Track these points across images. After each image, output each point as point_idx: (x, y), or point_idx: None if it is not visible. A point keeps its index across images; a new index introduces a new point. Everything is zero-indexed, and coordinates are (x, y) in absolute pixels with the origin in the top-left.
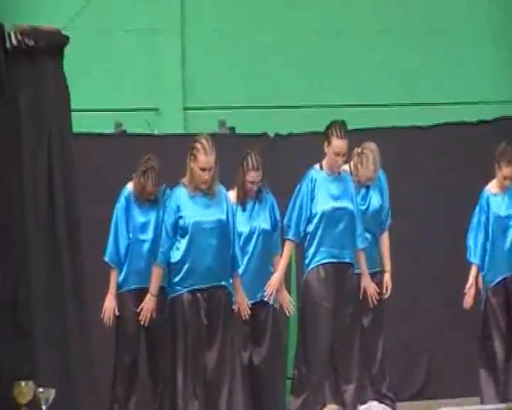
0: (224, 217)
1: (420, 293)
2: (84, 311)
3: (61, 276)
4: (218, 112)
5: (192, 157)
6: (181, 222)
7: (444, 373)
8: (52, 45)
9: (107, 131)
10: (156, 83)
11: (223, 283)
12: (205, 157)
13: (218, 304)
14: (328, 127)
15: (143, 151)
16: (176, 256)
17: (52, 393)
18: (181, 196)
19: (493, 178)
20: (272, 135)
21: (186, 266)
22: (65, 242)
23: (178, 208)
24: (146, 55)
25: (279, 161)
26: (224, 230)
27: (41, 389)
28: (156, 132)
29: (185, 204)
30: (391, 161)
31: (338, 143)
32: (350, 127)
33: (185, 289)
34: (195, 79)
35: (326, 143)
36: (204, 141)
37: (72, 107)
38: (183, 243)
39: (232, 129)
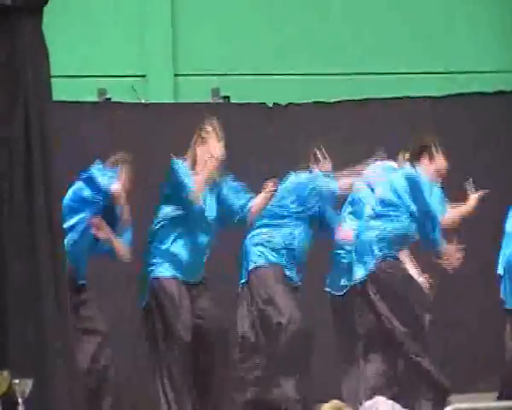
0: None
1: None
2: (64, 307)
3: (39, 270)
4: (212, 79)
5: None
6: None
7: (457, 368)
8: (31, 4)
9: (89, 100)
10: (144, 47)
11: None
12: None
13: None
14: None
15: (129, 121)
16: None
17: (29, 385)
18: None
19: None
20: (270, 105)
21: None
22: (44, 231)
23: None
24: (133, 15)
25: (277, 132)
26: None
27: (17, 381)
28: (143, 101)
29: None
30: (399, 133)
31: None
32: (356, 97)
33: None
34: (187, 43)
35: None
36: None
37: (52, 73)
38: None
39: (227, 98)
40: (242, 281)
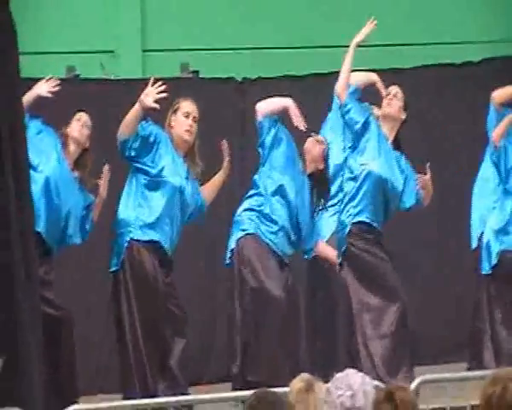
0: None
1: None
2: (35, 295)
3: (12, 258)
4: (181, 54)
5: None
6: None
7: (426, 339)
8: None
9: (58, 76)
10: (112, 22)
11: None
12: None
13: None
14: None
15: (98, 97)
16: None
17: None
18: None
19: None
20: (239, 79)
21: None
22: (14, 215)
23: None
24: None
25: (247, 107)
26: None
27: None
28: (112, 77)
29: None
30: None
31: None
32: (328, 70)
33: None
34: (155, 18)
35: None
36: None
37: (20, 49)
38: None
39: (196, 72)
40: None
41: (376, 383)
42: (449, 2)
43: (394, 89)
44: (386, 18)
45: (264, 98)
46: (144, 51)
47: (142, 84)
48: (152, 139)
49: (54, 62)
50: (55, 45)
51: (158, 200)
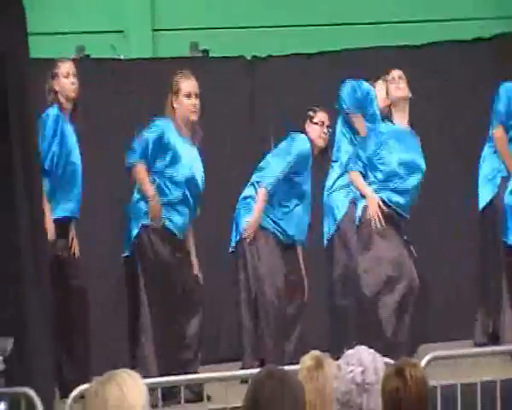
0: None
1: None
2: (46, 290)
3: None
4: (190, 33)
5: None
6: None
7: (435, 315)
8: None
9: (68, 56)
10: (122, 2)
11: None
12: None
13: None
14: None
15: (108, 78)
16: None
17: (10, 343)
18: None
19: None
20: (249, 57)
21: None
22: (23, 197)
23: None
24: None
25: (257, 86)
26: None
27: None
28: (122, 57)
29: None
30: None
31: None
32: (333, 48)
33: None
34: None
35: None
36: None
37: (29, 30)
38: None
39: (205, 52)
40: None
41: (387, 359)
42: None
43: (397, 72)
44: None
45: (275, 77)
46: (154, 31)
47: (152, 63)
48: (165, 138)
49: (63, 42)
50: (64, 25)
51: (170, 186)
